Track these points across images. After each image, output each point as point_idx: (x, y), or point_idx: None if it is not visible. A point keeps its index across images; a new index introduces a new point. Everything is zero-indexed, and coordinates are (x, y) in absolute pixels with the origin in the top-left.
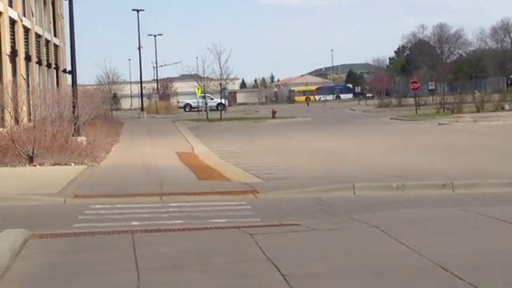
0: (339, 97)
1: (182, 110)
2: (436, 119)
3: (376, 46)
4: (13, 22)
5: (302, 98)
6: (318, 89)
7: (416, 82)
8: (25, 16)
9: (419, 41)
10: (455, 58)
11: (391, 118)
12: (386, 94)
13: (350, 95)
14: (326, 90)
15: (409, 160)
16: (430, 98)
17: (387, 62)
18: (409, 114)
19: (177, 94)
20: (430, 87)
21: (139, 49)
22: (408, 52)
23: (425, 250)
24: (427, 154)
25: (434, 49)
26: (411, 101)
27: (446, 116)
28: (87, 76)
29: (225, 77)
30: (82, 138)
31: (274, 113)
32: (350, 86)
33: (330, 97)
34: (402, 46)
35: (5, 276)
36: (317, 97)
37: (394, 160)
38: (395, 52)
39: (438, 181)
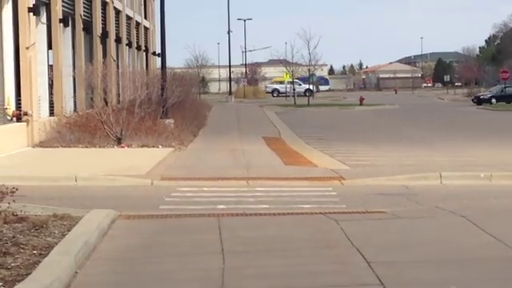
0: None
1: (270, 95)
2: None
3: (466, 34)
4: (104, 4)
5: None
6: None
7: (506, 72)
8: None
9: (510, 30)
10: None
11: (478, 108)
12: (475, 84)
13: (327, 87)
14: (300, 80)
15: (494, 150)
16: None
17: (477, 51)
18: (497, 103)
19: (265, 78)
20: None
21: (228, 33)
22: (499, 41)
23: None
24: None
25: None
26: None
27: None
28: (176, 59)
29: (313, 63)
30: (169, 121)
31: (361, 100)
32: (327, 77)
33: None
34: (493, 36)
35: (92, 255)
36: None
37: (480, 151)
38: (486, 41)
39: None
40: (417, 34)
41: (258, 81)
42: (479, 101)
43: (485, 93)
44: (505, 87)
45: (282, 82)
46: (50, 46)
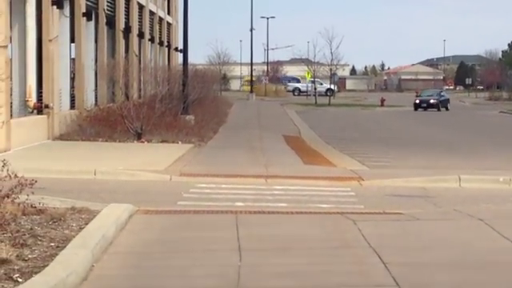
0: None
1: (291, 93)
2: None
3: (489, 38)
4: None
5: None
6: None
7: None
8: None
9: None
10: None
11: (501, 112)
12: (497, 88)
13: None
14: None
15: None
16: None
17: (500, 55)
18: None
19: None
20: None
21: (251, 30)
22: None
23: None
24: None
25: None
26: None
27: None
28: (198, 55)
29: (335, 62)
30: (190, 117)
31: (382, 101)
32: (299, 77)
33: None
34: None
35: (109, 249)
36: None
37: (498, 153)
38: (508, 45)
39: None
40: (439, 36)
41: (280, 79)
42: (428, 105)
43: (425, 97)
44: (440, 92)
45: None
46: (72, 40)
